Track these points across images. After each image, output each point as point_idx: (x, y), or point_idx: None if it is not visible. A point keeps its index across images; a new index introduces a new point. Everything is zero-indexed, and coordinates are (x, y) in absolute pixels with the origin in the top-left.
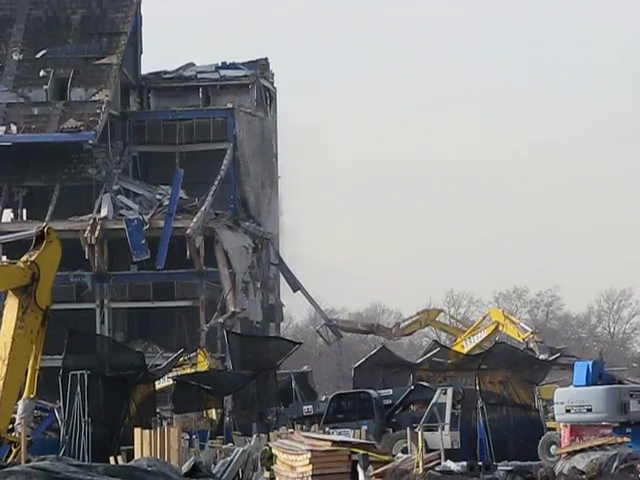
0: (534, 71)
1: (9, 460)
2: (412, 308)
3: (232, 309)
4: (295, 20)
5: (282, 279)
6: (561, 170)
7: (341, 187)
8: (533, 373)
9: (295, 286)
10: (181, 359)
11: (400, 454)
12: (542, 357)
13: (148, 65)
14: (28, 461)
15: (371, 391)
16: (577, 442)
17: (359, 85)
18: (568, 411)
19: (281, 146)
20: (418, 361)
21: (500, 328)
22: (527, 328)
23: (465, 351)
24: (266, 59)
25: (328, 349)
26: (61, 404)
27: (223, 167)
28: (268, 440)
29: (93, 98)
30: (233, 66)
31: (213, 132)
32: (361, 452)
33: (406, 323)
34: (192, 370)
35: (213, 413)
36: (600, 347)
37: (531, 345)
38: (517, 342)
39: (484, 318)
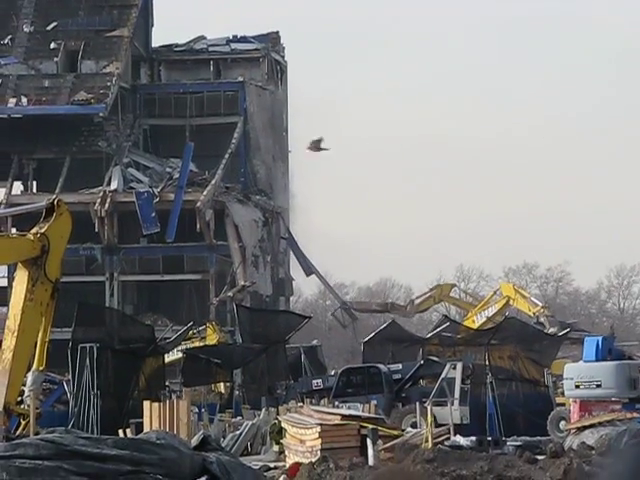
0: (543, 48)
1: (18, 432)
2: (422, 283)
3: (242, 283)
4: None
5: (292, 254)
6: (573, 145)
7: (352, 162)
8: (543, 349)
9: (309, 270)
10: (190, 332)
11: (409, 429)
12: (552, 331)
13: (159, 38)
14: (37, 433)
15: (380, 366)
16: (586, 418)
17: (370, 59)
18: (577, 387)
19: (292, 120)
20: (428, 336)
21: (511, 302)
22: (537, 302)
23: (476, 326)
24: (277, 32)
25: (338, 324)
26: (70, 377)
27: (234, 140)
28: (277, 414)
29: (104, 70)
30: (244, 39)
31: (224, 105)
32: (370, 426)
33: (420, 300)
34: (201, 343)
35: (222, 387)
36: (611, 322)
37: (541, 319)
38: (528, 316)
39: (495, 293)
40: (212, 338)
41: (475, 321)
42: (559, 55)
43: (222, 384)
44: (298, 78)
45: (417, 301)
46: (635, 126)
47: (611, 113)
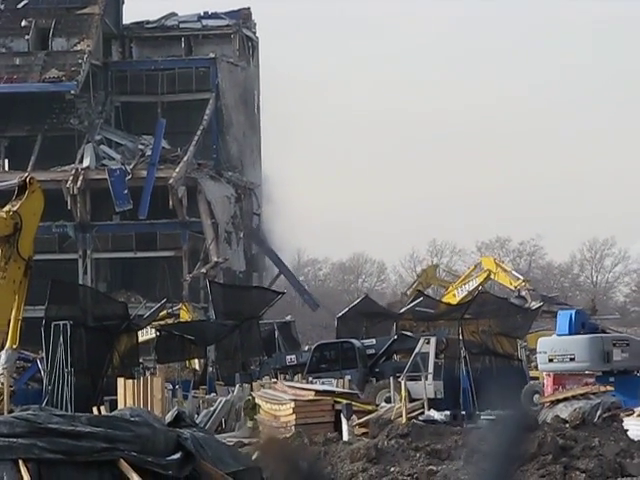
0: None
1: None
2: (395, 257)
3: (215, 259)
4: None
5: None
6: (544, 118)
7: (323, 137)
8: (517, 323)
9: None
10: (163, 312)
11: (383, 403)
12: (533, 304)
13: (130, 15)
14: (11, 411)
15: (354, 341)
16: (560, 391)
17: (342, 34)
18: (551, 360)
19: (263, 96)
20: (401, 310)
21: (492, 276)
22: (519, 276)
23: (457, 300)
24: (248, 9)
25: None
26: (44, 354)
27: (205, 117)
28: (251, 390)
29: (75, 48)
30: (215, 16)
31: (195, 82)
32: (344, 401)
33: (410, 290)
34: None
35: (196, 363)
36: (584, 295)
37: (523, 293)
38: (509, 290)
39: (476, 267)
40: (186, 319)
41: (456, 295)
42: (528, 25)
43: (196, 361)
44: (270, 54)
45: (408, 292)
46: (604, 98)
47: (580, 84)
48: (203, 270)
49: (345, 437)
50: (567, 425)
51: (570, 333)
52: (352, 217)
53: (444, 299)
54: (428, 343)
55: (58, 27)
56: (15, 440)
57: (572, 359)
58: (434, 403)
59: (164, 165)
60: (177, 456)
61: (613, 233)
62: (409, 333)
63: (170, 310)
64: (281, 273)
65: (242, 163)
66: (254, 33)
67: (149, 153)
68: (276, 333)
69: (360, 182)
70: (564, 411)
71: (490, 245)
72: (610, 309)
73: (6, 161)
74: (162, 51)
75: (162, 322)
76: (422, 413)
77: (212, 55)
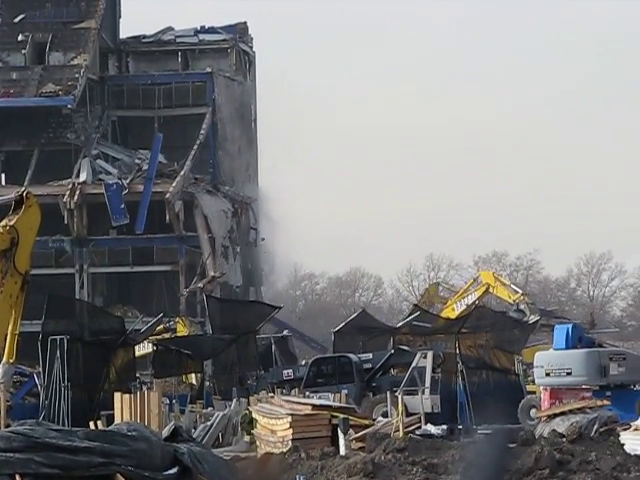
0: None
1: None
2: (392, 272)
3: (212, 273)
4: None
5: (261, 243)
6: (541, 133)
7: (320, 152)
8: (514, 337)
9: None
10: (160, 327)
11: (380, 418)
12: (532, 318)
13: (127, 29)
14: (7, 426)
15: (351, 355)
16: (557, 405)
17: (339, 48)
18: (548, 374)
19: (260, 111)
20: (398, 325)
21: (491, 290)
22: (517, 290)
23: (456, 314)
24: (245, 23)
25: (308, 314)
26: (40, 369)
27: (202, 131)
28: (248, 404)
29: (72, 62)
30: (212, 30)
31: (192, 96)
32: (341, 416)
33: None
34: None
35: (193, 378)
36: (591, 309)
37: (522, 307)
38: (508, 304)
39: (475, 280)
40: (182, 333)
41: (455, 309)
42: (528, 41)
43: (193, 375)
44: (266, 69)
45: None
46: (605, 114)
47: (578, 99)
48: (200, 285)
49: (342, 451)
50: (564, 439)
51: (567, 347)
52: (349, 231)
53: (443, 313)
54: (425, 357)
55: (55, 41)
56: (12, 455)
57: (569, 373)
58: (431, 417)
59: (161, 180)
60: (174, 471)
61: (610, 247)
62: (406, 347)
63: (167, 324)
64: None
65: (233, 179)
66: (251, 47)
67: (146, 167)
68: (273, 347)
69: (357, 196)
70: (561, 425)
71: (487, 259)
72: (607, 323)
73: (2, 175)
74: (159, 65)
75: (159, 337)
76: (419, 427)
77: (209, 69)
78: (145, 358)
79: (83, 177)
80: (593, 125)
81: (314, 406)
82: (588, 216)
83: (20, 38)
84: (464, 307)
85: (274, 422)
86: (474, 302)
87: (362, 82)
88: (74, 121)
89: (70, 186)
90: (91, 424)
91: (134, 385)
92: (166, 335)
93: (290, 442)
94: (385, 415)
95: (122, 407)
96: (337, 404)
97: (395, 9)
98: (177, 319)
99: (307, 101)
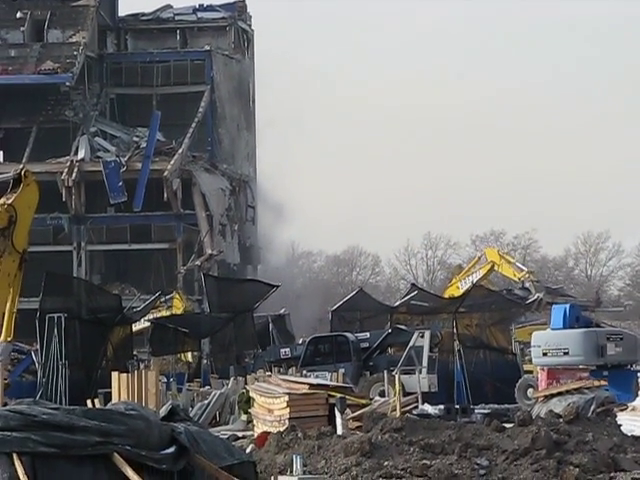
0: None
1: None
2: (389, 250)
3: (209, 251)
4: None
5: (259, 221)
6: (538, 113)
7: (319, 129)
8: (512, 316)
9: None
10: (158, 301)
11: (377, 397)
12: (538, 296)
13: (125, 7)
14: (5, 404)
15: (348, 334)
16: (554, 385)
17: (338, 27)
18: (545, 354)
19: (259, 89)
20: (396, 304)
21: (496, 268)
22: (523, 268)
23: (460, 292)
24: (243, 1)
25: (306, 292)
26: (38, 346)
27: (200, 109)
28: (245, 383)
29: (70, 40)
30: (210, 8)
31: (190, 74)
32: (338, 395)
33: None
34: (168, 312)
35: (190, 356)
36: (596, 287)
37: (527, 284)
38: (513, 281)
39: (479, 258)
40: (179, 307)
41: (460, 287)
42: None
43: (190, 353)
44: (265, 47)
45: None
46: (600, 94)
47: (576, 80)
48: (197, 262)
49: (339, 431)
50: (561, 420)
51: (564, 327)
52: (346, 210)
53: (447, 291)
54: (422, 337)
55: (53, 19)
56: (9, 434)
57: (566, 353)
58: (428, 397)
59: (159, 157)
60: (171, 450)
61: (607, 227)
62: (403, 327)
63: (163, 300)
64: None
65: (233, 157)
66: (249, 26)
67: (144, 145)
68: (270, 326)
69: (354, 176)
70: (558, 406)
71: (485, 238)
72: (604, 303)
73: (1, 153)
74: (157, 43)
75: (155, 310)
76: (416, 407)
77: (207, 48)
78: (142, 334)
79: (81, 154)
80: (593, 106)
81: (311, 385)
82: (586, 196)
83: (18, 15)
84: (469, 285)
85: (271, 401)
86: (480, 280)
87: (362, 62)
88: (72, 99)
89: (68, 163)
90: (88, 402)
91: (131, 363)
92: (163, 312)
93: (287, 421)
94: (382, 394)
95: (120, 386)
96: (334, 383)
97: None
98: (174, 293)
99: (306, 80)
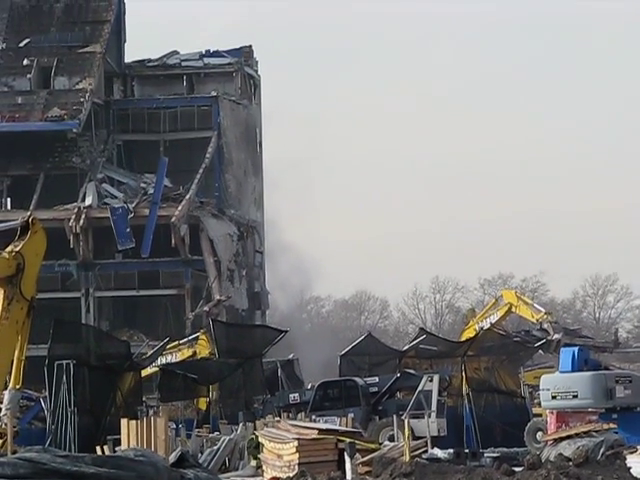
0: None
1: None
2: (397, 294)
3: (217, 297)
4: (279, 6)
5: (267, 268)
6: (546, 157)
7: (325, 175)
8: (521, 360)
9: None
10: (174, 344)
11: (387, 442)
12: (556, 337)
13: (132, 53)
14: (15, 452)
15: (357, 379)
16: (563, 429)
17: (345, 75)
18: (554, 397)
19: (265, 134)
20: (404, 348)
21: (513, 309)
22: (540, 309)
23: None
24: (250, 47)
25: (315, 337)
26: (47, 393)
27: (208, 155)
28: (255, 429)
29: (77, 87)
30: (217, 54)
31: (197, 120)
32: (348, 440)
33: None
34: (190, 352)
35: (200, 402)
36: (615, 328)
37: (545, 326)
38: (531, 323)
39: (497, 300)
40: (204, 349)
41: (477, 330)
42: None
43: (202, 399)
44: (272, 92)
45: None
46: (603, 140)
47: (586, 130)
48: (206, 308)
49: (348, 476)
50: (570, 463)
51: (573, 370)
52: (355, 255)
53: (464, 334)
54: (431, 381)
55: (60, 66)
56: None
57: (575, 396)
58: (437, 441)
59: (166, 203)
60: None
61: (615, 269)
62: (412, 371)
63: (186, 341)
64: None
65: (241, 202)
66: (256, 71)
67: (151, 191)
68: (279, 371)
69: (362, 220)
70: (567, 449)
71: (493, 282)
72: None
73: (8, 200)
74: (164, 89)
75: (176, 349)
76: (425, 451)
77: (214, 93)
78: (151, 379)
79: (89, 201)
80: (600, 148)
81: (320, 430)
82: (594, 238)
83: (25, 63)
84: (487, 327)
85: (280, 446)
86: (497, 322)
87: (364, 105)
88: (79, 145)
89: (76, 210)
90: (98, 449)
91: (141, 410)
92: (185, 351)
93: (297, 466)
94: (391, 439)
95: (129, 432)
96: (343, 428)
97: (400, 35)
98: (199, 333)
99: (311, 124)
